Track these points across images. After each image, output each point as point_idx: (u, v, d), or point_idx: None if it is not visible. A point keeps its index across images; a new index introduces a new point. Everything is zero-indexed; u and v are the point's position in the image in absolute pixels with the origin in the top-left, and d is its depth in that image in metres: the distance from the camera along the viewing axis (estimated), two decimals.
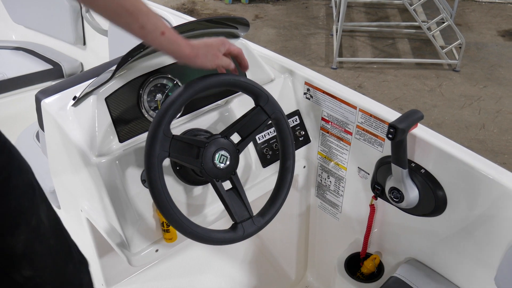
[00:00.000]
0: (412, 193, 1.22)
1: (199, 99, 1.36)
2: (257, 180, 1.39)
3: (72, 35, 2.36)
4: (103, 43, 2.17)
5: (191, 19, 1.86)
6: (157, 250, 1.25)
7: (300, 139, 1.48)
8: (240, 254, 1.86)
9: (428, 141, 1.18)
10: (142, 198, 1.19)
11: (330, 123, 1.43)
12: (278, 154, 1.41)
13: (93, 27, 2.24)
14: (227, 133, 1.17)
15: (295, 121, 1.47)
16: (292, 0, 5.76)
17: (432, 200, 1.20)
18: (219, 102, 1.39)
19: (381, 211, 1.39)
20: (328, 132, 1.45)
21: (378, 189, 1.32)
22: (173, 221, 1.06)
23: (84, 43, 2.42)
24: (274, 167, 1.43)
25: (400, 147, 1.14)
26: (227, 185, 1.18)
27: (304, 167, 1.53)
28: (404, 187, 1.21)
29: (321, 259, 1.73)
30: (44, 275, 1.01)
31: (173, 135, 1.06)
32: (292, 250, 1.75)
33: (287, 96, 1.46)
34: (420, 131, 1.21)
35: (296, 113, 1.48)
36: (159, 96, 1.29)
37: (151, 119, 1.27)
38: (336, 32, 4.35)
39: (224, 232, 1.12)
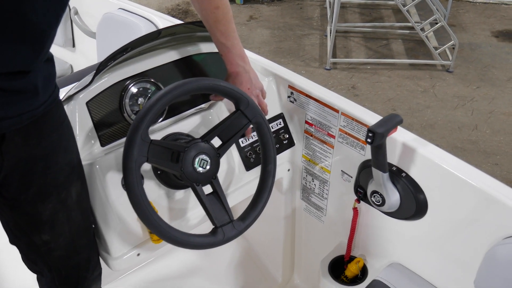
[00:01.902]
0: (393, 197, 1.22)
1: (182, 103, 1.36)
2: (240, 184, 1.39)
3: (61, 37, 2.35)
4: (93, 46, 2.17)
5: (178, 21, 1.86)
6: (138, 254, 1.24)
7: (284, 142, 1.48)
8: (227, 257, 1.86)
9: (409, 145, 1.18)
10: (124, 202, 1.18)
11: (313, 126, 1.43)
12: None
13: (82, 29, 2.24)
14: (207, 137, 1.16)
15: (279, 124, 1.48)
16: (287, 1, 5.77)
17: (413, 204, 1.21)
18: (202, 105, 1.39)
19: (364, 214, 1.39)
20: (312, 136, 1.45)
21: (360, 192, 1.32)
22: (152, 226, 1.06)
23: (74, 45, 2.42)
24: (258, 171, 1.43)
25: (380, 151, 1.14)
26: (208, 189, 1.18)
27: (289, 170, 1.53)
28: (385, 190, 1.22)
29: (308, 261, 1.73)
30: (58, 241, 1.13)
31: (152, 140, 1.06)
32: (278, 253, 1.75)
33: (271, 99, 1.46)
34: (401, 135, 1.21)
35: (280, 116, 1.48)
36: (141, 100, 1.29)
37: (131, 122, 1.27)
38: (330, 33, 4.36)
39: (204, 237, 1.12)
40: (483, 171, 1.13)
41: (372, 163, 1.18)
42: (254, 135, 1.42)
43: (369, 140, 1.08)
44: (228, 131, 1.18)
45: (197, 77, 1.21)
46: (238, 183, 1.39)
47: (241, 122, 1.18)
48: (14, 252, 1.17)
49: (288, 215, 1.65)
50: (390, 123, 1.11)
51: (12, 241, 1.15)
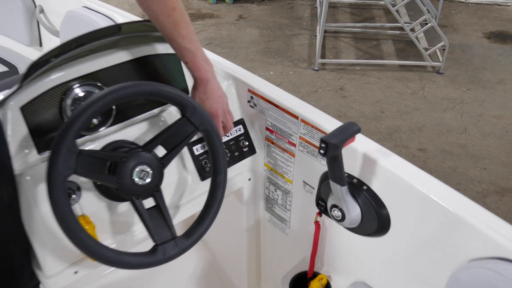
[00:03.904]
0: (353, 212, 1.12)
1: (131, 108, 1.26)
2: (194, 195, 1.29)
3: (27, 36, 2.25)
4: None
5: (137, 19, 1.76)
6: (76, 272, 1.15)
7: (245, 149, 1.38)
8: (189, 268, 1.76)
9: (370, 156, 1.09)
10: None
11: (274, 133, 1.33)
12: None
13: (46, 28, 2.14)
14: (149, 146, 1.07)
15: (239, 130, 1.38)
16: (277, 1, 5.67)
17: (375, 220, 1.11)
18: (154, 111, 1.29)
19: (327, 228, 1.29)
20: (273, 143, 1.35)
21: (322, 205, 1.22)
22: (79, 245, 0.96)
23: (41, 45, 2.32)
24: None
25: (335, 163, 1.04)
26: (151, 202, 1.08)
27: (250, 179, 1.43)
28: (345, 205, 1.12)
29: (273, 276, 1.63)
30: None
31: (80, 150, 0.96)
32: (242, 266, 1.65)
33: (231, 104, 1.36)
34: (362, 144, 1.11)
35: (240, 122, 1.38)
36: None
37: None
38: (319, 33, 4.26)
39: (141, 256, 1.03)
40: (451, 186, 1.03)
41: (329, 176, 1.09)
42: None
43: (322, 151, 0.98)
44: (172, 139, 1.08)
45: (149, 81, 1.12)
46: (191, 194, 1.29)
47: (187, 130, 1.09)
48: None
49: (252, 226, 1.55)
50: (346, 132, 1.01)
51: None
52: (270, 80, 4.34)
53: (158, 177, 1.07)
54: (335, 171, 1.06)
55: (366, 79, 4.02)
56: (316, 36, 4.62)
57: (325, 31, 4.56)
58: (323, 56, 4.30)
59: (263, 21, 5.17)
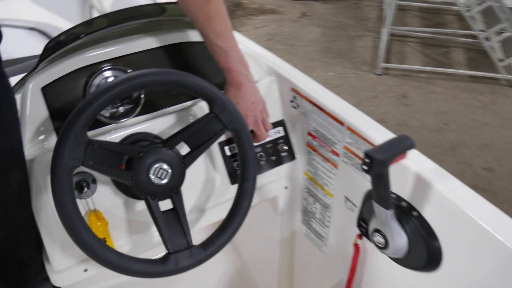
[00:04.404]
0: (399, 240, 0.96)
1: (161, 98, 1.16)
2: (222, 199, 1.17)
3: (79, 17, 2.22)
4: None
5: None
6: (86, 270, 1.06)
7: (283, 154, 1.24)
8: (217, 273, 1.64)
9: (424, 177, 0.92)
10: None
11: (317, 139, 1.18)
12: (257, 166, 1.19)
13: (98, 9, 2.09)
14: (170, 142, 0.95)
15: (279, 133, 1.24)
16: (343, 0, 5.46)
17: (424, 252, 0.94)
18: (187, 103, 1.18)
19: (368, 253, 1.13)
20: (314, 150, 1.20)
21: (363, 227, 1.07)
22: (80, 244, 0.86)
23: None
24: None
25: (380, 183, 0.88)
26: (168, 204, 0.97)
27: (286, 187, 1.29)
28: (389, 231, 0.95)
29: None
30: None
31: (90, 140, 0.86)
32: (273, 278, 1.51)
33: (271, 103, 1.23)
34: (416, 162, 0.95)
35: (281, 123, 1.24)
36: None
37: (98, 116, 1.08)
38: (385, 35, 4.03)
39: (150, 263, 0.91)
40: None
41: (373, 196, 0.93)
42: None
43: (365, 167, 0.83)
44: (197, 136, 0.96)
45: (183, 70, 1.01)
46: (219, 198, 1.17)
47: (214, 127, 0.96)
48: None
49: (286, 238, 1.41)
50: (396, 147, 0.85)
51: None
52: (328, 82, 4.11)
53: (178, 177, 0.96)
54: (379, 192, 0.90)
55: (432, 88, 3.76)
56: (381, 39, 4.39)
57: (392, 35, 4.31)
58: (387, 60, 4.07)
59: (327, 20, 4.98)
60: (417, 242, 0.95)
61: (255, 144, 1.20)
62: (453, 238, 0.90)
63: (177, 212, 0.96)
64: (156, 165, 0.93)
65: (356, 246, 1.12)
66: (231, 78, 1.04)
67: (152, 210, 0.94)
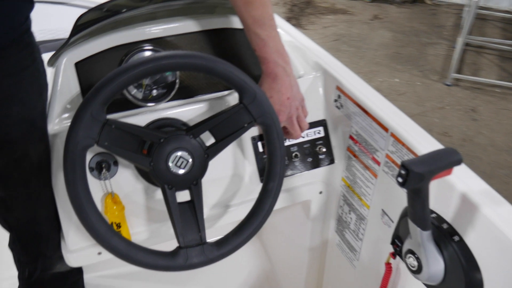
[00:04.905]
0: (434, 265, 0.85)
1: (197, 85, 1.10)
2: (250, 197, 1.10)
3: None
4: None
5: None
6: (100, 253, 1.03)
7: (320, 156, 1.15)
8: (243, 273, 1.57)
9: (472, 199, 0.80)
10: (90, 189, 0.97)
11: (358, 144, 1.08)
12: (290, 166, 1.12)
13: None
14: (194, 130, 0.90)
15: (318, 133, 1.15)
16: (420, 5, 5.22)
17: (462, 283, 0.82)
18: (225, 92, 1.12)
19: (400, 275, 1.02)
20: (355, 156, 1.11)
21: (398, 245, 0.96)
22: (87, 226, 0.82)
23: None
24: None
25: (417, 199, 0.77)
26: (187, 196, 0.92)
27: (321, 192, 1.20)
28: (424, 254, 0.85)
29: None
30: (15, 203, 1.00)
31: (108, 119, 0.82)
32: (300, 286, 1.42)
33: (313, 100, 1.14)
34: (463, 181, 0.83)
35: (322, 123, 1.15)
36: None
37: (130, 97, 1.05)
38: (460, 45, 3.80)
39: (158, 256, 0.86)
40: None
41: (408, 213, 0.82)
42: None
43: (400, 179, 0.73)
44: (223, 127, 0.90)
45: (221, 57, 0.95)
46: (246, 196, 1.10)
47: (242, 119, 0.89)
48: None
49: (317, 247, 1.32)
50: (439, 161, 0.74)
51: None
52: (393, 88, 3.93)
53: (199, 169, 0.90)
54: (415, 209, 0.79)
55: (505, 104, 3.49)
56: (455, 48, 4.14)
57: (467, 44, 4.06)
58: (459, 71, 3.83)
59: (399, 24, 4.77)
60: (455, 270, 0.83)
61: (290, 142, 1.12)
62: (498, 271, 0.78)
63: (194, 205, 0.90)
64: (177, 153, 0.87)
65: (388, 265, 1.01)
66: (267, 69, 0.97)
67: (168, 199, 0.88)
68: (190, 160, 0.88)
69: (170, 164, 0.87)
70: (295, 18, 4.96)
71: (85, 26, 0.97)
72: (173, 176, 0.88)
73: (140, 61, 0.81)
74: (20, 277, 1.14)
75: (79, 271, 1.22)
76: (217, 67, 0.85)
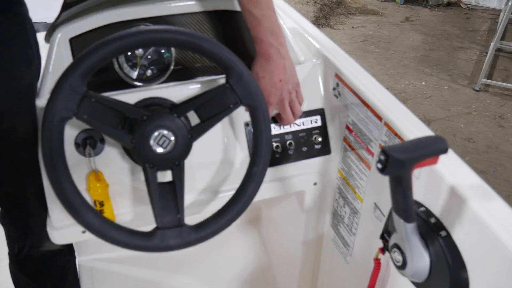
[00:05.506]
0: (419, 261, 0.80)
1: (192, 67, 1.09)
2: (238, 184, 1.07)
3: None
4: None
5: None
6: (84, 232, 1.02)
7: (316, 146, 1.12)
8: (239, 266, 1.55)
9: (462, 193, 0.75)
10: (74, 166, 0.96)
11: (353, 134, 1.04)
12: (284, 154, 1.09)
13: None
14: (179, 109, 0.88)
15: (315, 122, 1.11)
16: (454, 8, 5.08)
17: (447, 281, 0.78)
18: (221, 75, 1.10)
19: (390, 271, 0.98)
20: (350, 147, 1.07)
21: (387, 240, 0.91)
22: (62, 199, 0.81)
23: None
24: (275, 171, 1.10)
25: (399, 189, 0.73)
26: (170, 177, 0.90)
27: (316, 184, 1.16)
28: (409, 248, 0.80)
29: None
30: (3, 176, 0.99)
31: (87, 91, 0.80)
32: (294, 279, 1.38)
33: (312, 88, 1.11)
34: (454, 173, 0.78)
35: (319, 112, 1.12)
36: (140, 51, 1.04)
37: (123, 75, 1.04)
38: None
39: (132, 234, 0.84)
40: None
41: (392, 204, 0.78)
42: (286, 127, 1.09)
43: (379, 165, 0.69)
44: (209, 107, 0.88)
45: (221, 40, 0.93)
46: (238, 181, 1.07)
47: (227, 100, 0.87)
48: None
49: (311, 241, 1.28)
50: (422, 148, 0.70)
51: None
52: (418, 91, 3.83)
53: (182, 149, 0.88)
54: (397, 199, 0.75)
55: None
56: (487, 53, 4.02)
57: (500, 50, 3.93)
58: (489, 76, 3.71)
59: (431, 27, 4.66)
60: (441, 267, 0.78)
61: (284, 129, 1.09)
62: (485, 271, 0.73)
63: (175, 186, 0.88)
64: (158, 132, 0.85)
65: (377, 262, 0.97)
66: (260, 49, 0.94)
67: (148, 179, 0.87)
68: (173, 139, 0.86)
69: (151, 142, 0.85)
70: (324, 18, 4.91)
71: (77, 2, 0.96)
72: (155, 155, 0.86)
73: (123, 33, 0.80)
74: (10, 253, 1.14)
75: (70, 252, 1.22)
76: (203, 44, 0.82)
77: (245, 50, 1.12)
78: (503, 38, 3.83)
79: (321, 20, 4.81)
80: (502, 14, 4.29)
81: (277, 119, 1.05)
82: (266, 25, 0.92)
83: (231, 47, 1.07)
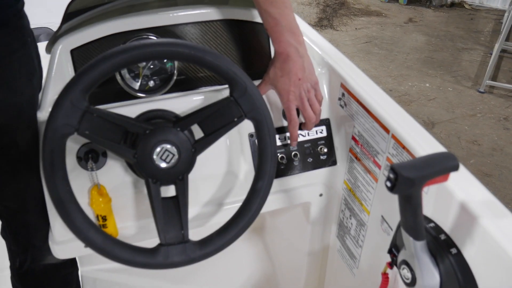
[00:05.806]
0: (428, 279, 0.78)
1: (195, 77, 1.07)
2: (243, 197, 1.06)
3: None
4: None
5: None
6: (86, 246, 1.00)
7: (322, 157, 1.10)
8: (244, 276, 1.53)
9: (472, 210, 0.73)
10: (76, 180, 0.94)
11: (359, 145, 1.03)
12: (289, 166, 1.07)
13: None
14: (182, 123, 0.86)
15: (321, 132, 1.10)
16: (458, 9, 5.05)
17: None
18: (225, 86, 1.08)
19: (398, 286, 0.96)
20: (357, 158, 1.05)
21: (395, 255, 0.90)
22: (62, 216, 0.79)
23: None
24: (280, 183, 1.08)
25: (408, 206, 0.71)
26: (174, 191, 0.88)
27: (321, 195, 1.14)
28: (418, 266, 0.78)
29: None
30: (3, 190, 0.98)
31: (89, 107, 0.79)
32: None
33: None
34: (464, 189, 0.76)
35: (325, 122, 1.10)
36: (143, 63, 1.03)
37: (125, 86, 1.02)
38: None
39: (136, 251, 0.83)
40: None
41: (401, 221, 0.76)
42: (287, 136, 1.07)
43: (388, 183, 0.67)
44: (212, 121, 0.86)
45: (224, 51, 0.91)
46: (242, 194, 1.05)
47: (231, 113, 0.85)
48: None
49: (317, 252, 1.26)
50: (432, 166, 0.68)
51: None
52: (422, 93, 3.81)
53: (185, 163, 0.86)
54: (407, 218, 0.73)
55: None
56: (492, 54, 3.99)
57: (504, 51, 3.90)
58: (494, 78, 3.68)
59: (435, 28, 4.63)
60: (451, 286, 0.77)
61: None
62: None
63: (178, 201, 0.86)
64: (162, 146, 0.84)
65: (385, 276, 0.95)
66: (279, 49, 0.93)
67: (151, 193, 0.85)
68: (176, 153, 0.85)
69: (154, 157, 0.84)
70: (327, 19, 4.88)
71: (78, 12, 0.95)
72: (158, 170, 0.84)
73: (124, 48, 0.78)
74: (11, 267, 1.13)
75: (72, 264, 1.20)
76: (206, 57, 0.81)
77: (249, 62, 1.10)
78: (507, 39, 3.80)
79: (324, 22, 4.79)
80: (506, 14, 4.26)
81: (300, 125, 1.04)
82: (284, 24, 0.91)
83: (236, 58, 1.05)
